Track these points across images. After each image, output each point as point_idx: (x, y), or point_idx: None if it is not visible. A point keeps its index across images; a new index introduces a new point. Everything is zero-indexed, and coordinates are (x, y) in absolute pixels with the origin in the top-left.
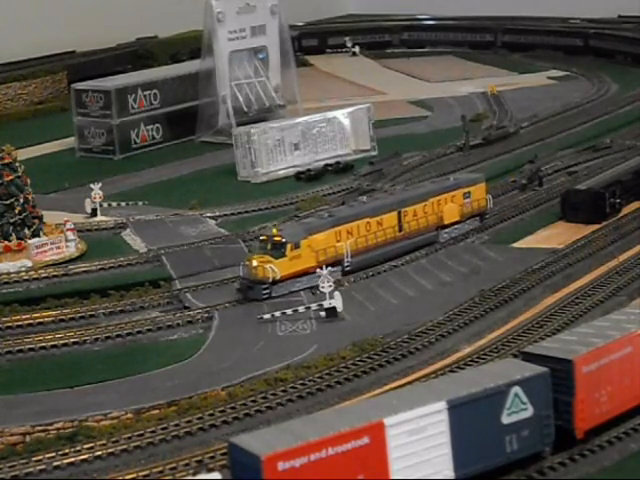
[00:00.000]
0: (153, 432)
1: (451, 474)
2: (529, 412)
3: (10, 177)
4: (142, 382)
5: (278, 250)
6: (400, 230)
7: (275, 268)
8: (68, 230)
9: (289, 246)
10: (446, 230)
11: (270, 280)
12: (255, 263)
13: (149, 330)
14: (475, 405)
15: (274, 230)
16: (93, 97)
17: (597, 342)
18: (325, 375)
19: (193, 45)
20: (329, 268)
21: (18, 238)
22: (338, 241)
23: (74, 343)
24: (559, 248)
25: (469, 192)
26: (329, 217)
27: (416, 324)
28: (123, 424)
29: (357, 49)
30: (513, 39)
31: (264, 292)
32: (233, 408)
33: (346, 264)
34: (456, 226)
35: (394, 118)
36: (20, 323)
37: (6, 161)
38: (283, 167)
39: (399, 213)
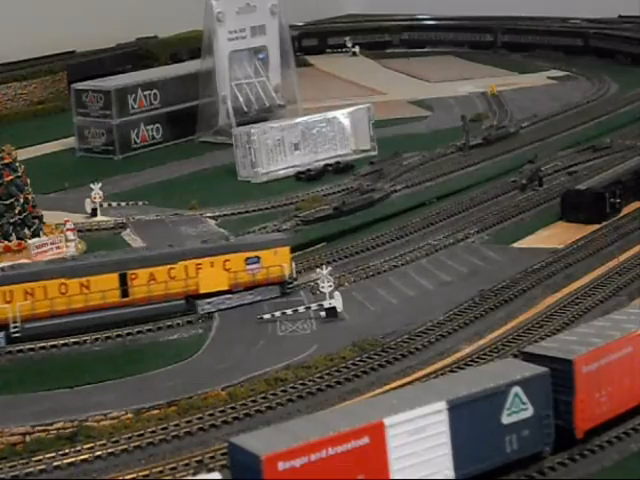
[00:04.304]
0: (153, 432)
1: (451, 474)
2: (529, 412)
3: (10, 177)
4: (142, 382)
5: None
6: (125, 295)
7: None
8: (68, 230)
9: None
10: (209, 300)
11: None
12: None
13: (149, 330)
14: (475, 405)
15: None
16: (93, 97)
17: (597, 342)
18: (325, 375)
19: (193, 45)
20: None
21: (18, 238)
22: (8, 302)
23: (74, 343)
24: (559, 248)
25: (257, 257)
26: None
27: (416, 324)
28: (123, 424)
29: (357, 49)
30: (513, 39)
31: None
32: (233, 408)
33: (13, 330)
34: (229, 296)
35: (394, 118)
36: None
37: (6, 161)
38: (283, 167)
39: (123, 275)
